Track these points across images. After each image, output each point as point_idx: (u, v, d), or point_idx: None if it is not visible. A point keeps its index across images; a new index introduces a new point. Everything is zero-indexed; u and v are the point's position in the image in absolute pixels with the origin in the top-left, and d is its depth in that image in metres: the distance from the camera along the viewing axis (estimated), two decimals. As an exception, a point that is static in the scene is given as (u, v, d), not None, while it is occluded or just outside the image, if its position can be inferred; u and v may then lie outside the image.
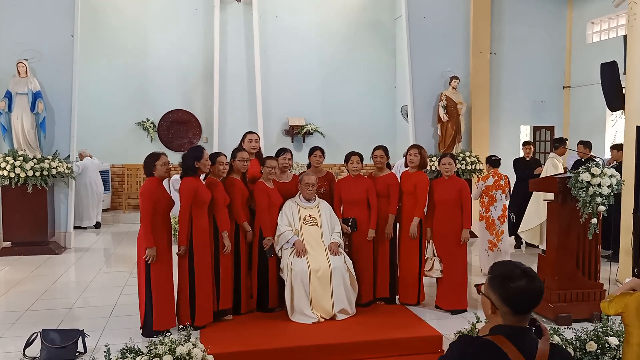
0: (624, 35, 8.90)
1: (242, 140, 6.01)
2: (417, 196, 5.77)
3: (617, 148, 7.82)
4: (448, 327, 5.15)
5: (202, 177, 5.34)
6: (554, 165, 7.84)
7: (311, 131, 12.80)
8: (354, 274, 5.54)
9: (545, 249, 7.80)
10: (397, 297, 6.00)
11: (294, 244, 5.46)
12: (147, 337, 4.80)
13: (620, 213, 6.35)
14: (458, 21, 10.13)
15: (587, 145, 8.44)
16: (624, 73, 7.21)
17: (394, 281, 5.98)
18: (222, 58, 12.21)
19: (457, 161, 7.25)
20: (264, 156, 6.13)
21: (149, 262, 4.88)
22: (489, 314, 2.01)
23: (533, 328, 1.99)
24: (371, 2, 12.91)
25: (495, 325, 1.98)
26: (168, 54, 12.06)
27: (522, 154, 9.22)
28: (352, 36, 12.88)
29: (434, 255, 5.80)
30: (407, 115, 10.59)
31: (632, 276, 5.90)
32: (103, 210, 11.25)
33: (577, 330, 4.41)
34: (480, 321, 4.52)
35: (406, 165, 6.08)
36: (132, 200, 11.86)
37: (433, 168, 8.58)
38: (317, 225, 5.65)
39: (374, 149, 6.02)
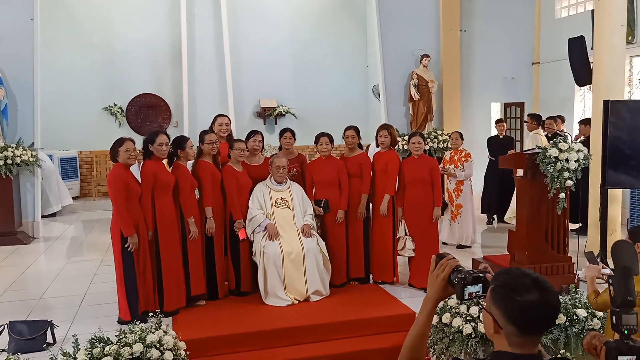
0: (592, 10, 8.98)
1: (213, 123, 5.92)
2: (387, 174, 5.77)
3: (584, 123, 7.92)
4: (419, 306, 5.19)
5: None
6: (536, 141, 7.94)
7: (283, 113, 12.69)
8: (327, 255, 5.54)
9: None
10: (371, 276, 6.03)
11: (266, 227, 5.42)
12: (124, 324, 4.71)
13: (588, 187, 6.44)
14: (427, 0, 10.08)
15: (556, 119, 8.53)
16: (592, 48, 7.27)
17: (368, 261, 5.99)
18: (191, 40, 11.96)
19: (427, 140, 7.30)
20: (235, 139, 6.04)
21: (130, 249, 4.79)
22: (491, 333, 1.64)
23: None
24: (342, -20, 12.76)
25: (496, 352, 1.65)
26: (135, 37, 11.75)
27: (494, 132, 9.27)
28: (323, 16, 12.73)
29: (406, 234, 5.82)
30: (379, 95, 10.55)
31: (599, 250, 6.01)
32: (73, 198, 11.00)
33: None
34: (452, 297, 4.55)
35: (377, 145, 6.06)
36: (102, 188, 11.64)
37: (406, 147, 8.56)
38: (289, 207, 5.61)
39: (345, 129, 5.98)
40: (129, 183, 4.86)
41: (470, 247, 7.54)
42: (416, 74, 9.73)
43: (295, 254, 5.32)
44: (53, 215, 10.35)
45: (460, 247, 7.50)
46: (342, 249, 5.85)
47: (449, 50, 10.14)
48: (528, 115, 8.56)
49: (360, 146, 6.07)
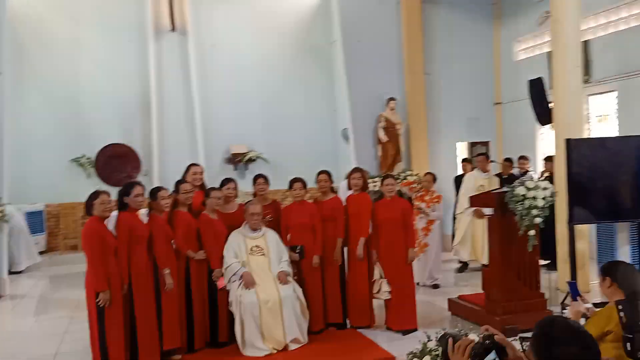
0: (548, 52, 9.43)
1: (186, 172, 5.92)
2: (361, 217, 5.83)
3: (549, 159, 8.18)
4: (400, 348, 5.16)
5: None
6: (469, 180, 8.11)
7: (254, 158, 12.70)
8: (305, 302, 5.50)
9: (484, 262, 8.08)
10: (348, 321, 6.00)
11: (241, 276, 5.37)
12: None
13: (555, 223, 6.60)
14: (392, 44, 10.42)
15: (519, 159, 8.78)
16: (550, 88, 7.60)
17: (345, 305, 5.97)
18: (159, 89, 11.99)
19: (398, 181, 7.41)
20: (207, 187, 6.05)
21: (101, 305, 4.68)
22: None
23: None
24: (307, 27, 13.05)
25: None
26: (103, 87, 11.72)
27: (460, 171, 9.49)
28: (290, 62, 12.94)
29: (381, 277, 5.84)
30: (348, 138, 10.73)
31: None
32: (39, 253, 10.68)
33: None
34: (432, 340, 4.55)
35: (349, 188, 6.14)
36: (69, 241, 11.34)
37: (376, 189, 8.65)
38: (264, 255, 5.58)
39: (318, 174, 6.05)
40: (105, 236, 4.80)
41: (438, 286, 7.60)
42: (383, 116, 9.97)
43: (272, 302, 5.27)
44: (19, 272, 10.02)
45: (435, 286, 7.55)
46: (319, 294, 5.83)
47: (414, 93, 10.44)
48: (480, 154, 8.66)
49: (333, 190, 6.13)
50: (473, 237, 8.07)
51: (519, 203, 5.24)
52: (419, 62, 10.50)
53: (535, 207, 5.23)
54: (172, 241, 5.30)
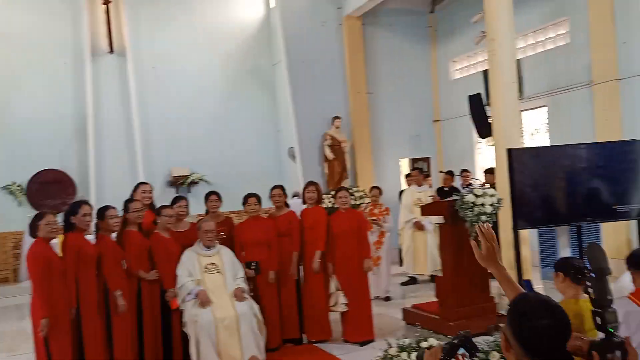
0: (484, 71, 9.91)
1: (135, 191, 5.76)
2: (316, 230, 5.85)
3: (489, 172, 8.53)
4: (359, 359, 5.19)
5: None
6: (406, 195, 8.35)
7: (196, 180, 12.50)
8: (262, 318, 5.42)
9: (428, 274, 8.27)
10: (304, 336, 5.96)
11: (197, 295, 5.24)
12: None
13: (499, 230, 6.85)
14: (335, 64, 10.64)
15: (453, 173, 9.09)
16: (487, 104, 7.98)
17: (302, 320, 5.93)
18: (97, 112, 11.62)
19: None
20: (156, 207, 5.89)
21: (43, 334, 4.41)
22: (503, 350, 1.74)
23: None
24: (249, 49, 13.12)
25: None
26: (36, 112, 11.22)
27: (404, 186, 9.74)
28: (233, 82, 12.92)
29: (338, 290, 5.85)
30: (295, 157, 10.79)
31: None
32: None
33: (479, 342, 4.63)
34: (392, 347, 4.59)
35: (304, 202, 6.15)
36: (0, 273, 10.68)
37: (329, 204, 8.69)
38: (219, 272, 5.48)
39: (272, 189, 6.05)
40: (51, 258, 4.55)
41: (390, 299, 7.70)
42: (329, 134, 10.11)
43: (229, 320, 5.16)
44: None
45: (387, 299, 7.64)
46: (275, 310, 5.77)
47: (358, 111, 10.67)
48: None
49: (287, 205, 6.13)
50: (415, 251, 8.25)
51: (469, 210, 5.43)
52: (361, 81, 10.76)
53: (484, 213, 5.44)
54: (123, 261, 5.11)
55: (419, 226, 7.98)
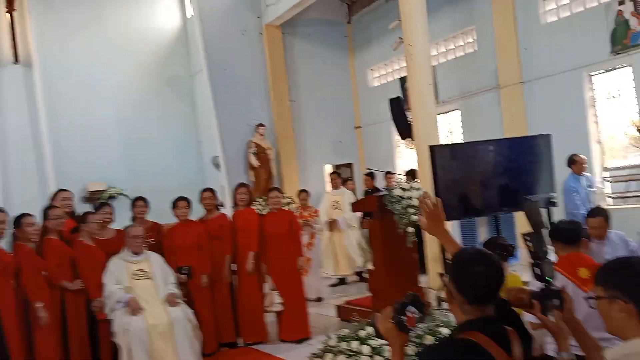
0: (400, 77, 10.34)
1: (54, 198, 5.48)
2: (249, 231, 5.82)
3: (409, 174, 8.86)
4: (298, 357, 5.19)
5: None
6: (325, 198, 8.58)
7: (114, 195, 12.01)
8: (197, 323, 5.30)
9: (347, 273, 8.48)
10: (240, 339, 5.89)
11: (126, 303, 5.03)
12: None
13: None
14: (257, 73, 10.68)
15: (386, 174, 9.40)
16: (406, 109, 8.32)
17: (237, 323, 5.86)
18: (2, 125, 10.91)
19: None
20: (77, 214, 5.64)
21: None
22: (448, 303, 1.89)
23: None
24: (167, 59, 12.89)
25: (463, 322, 1.83)
26: None
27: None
28: (150, 94, 12.60)
29: (272, 290, 5.85)
30: (219, 166, 10.66)
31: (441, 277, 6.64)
32: None
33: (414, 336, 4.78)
34: (332, 338, 4.65)
35: (236, 204, 6.11)
36: None
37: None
38: (149, 278, 5.30)
39: (202, 192, 5.96)
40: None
41: (322, 299, 7.78)
42: (254, 142, 10.10)
43: (162, 326, 5.00)
44: None
45: (318, 300, 7.70)
46: (210, 314, 5.67)
47: (281, 119, 10.75)
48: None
49: (217, 207, 6.05)
50: (334, 252, 8.42)
51: (397, 203, 5.62)
52: (283, 90, 10.87)
53: (412, 205, 5.64)
54: (44, 272, 4.83)
55: (332, 226, 8.20)
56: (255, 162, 9.99)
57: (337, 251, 8.41)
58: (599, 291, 1.79)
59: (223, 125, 10.05)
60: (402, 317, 1.88)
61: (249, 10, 10.76)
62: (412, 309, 1.90)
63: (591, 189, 6.75)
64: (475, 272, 1.77)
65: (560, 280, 3.15)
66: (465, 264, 1.81)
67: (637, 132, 7.06)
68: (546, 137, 6.38)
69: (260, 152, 10.07)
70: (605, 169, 7.77)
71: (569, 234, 3.35)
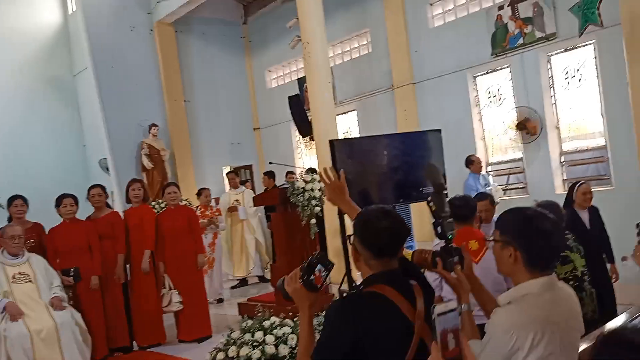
0: (298, 79, 10.40)
1: None
2: (144, 229, 5.50)
3: (309, 172, 8.88)
4: (199, 356, 4.96)
5: None
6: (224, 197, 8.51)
7: (-12, 204, 10.91)
8: (85, 327, 4.92)
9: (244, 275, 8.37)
10: (135, 342, 5.54)
11: (4, 308, 4.55)
12: None
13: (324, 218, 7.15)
14: (149, 71, 10.22)
15: (287, 174, 9.36)
16: (307, 108, 8.36)
17: (131, 326, 5.50)
18: None
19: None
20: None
21: None
22: (354, 262, 1.90)
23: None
24: (47, 58, 12.02)
25: (369, 276, 1.85)
26: None
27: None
28: (28, 96, 11.64)
29: (171, 289, 5.57)
30: (107, 168, 10.05)
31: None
32: None
33: (316, 324, 4.75)
34: (234, 330, 4.49)
35: (129, 201, 5.75)
36: None
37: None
38: (30, 281, 4.86)
39: (90, 188, 5.57)
40: None
41: (222, 300, 7.58)
42: (146, 143, 9.64)
43: (46, 332, 4.60)
44: None
45: (219, 301, 7.48)
46: (100, 318, 5.30)
47: (175, 119, 10.36)
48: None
49: (108, 205, 5.67)
50: (235, 253, 8.31)
51: (300, 195, 5.61)
52: (177, 89, 10.49)
53: (314, 197, 5.66)
54: None
55: (232, 211, 8.19)
56: (148, 163, 9.54)
57: (238, 251, 8.28)
58: (496, 235, 1.93)
59: (111, 126, 9.49)
60: (310, 276, 1.87)
61: (137, 6, 10.29)
62: (320, 267, 1.89)
63: (488, 187, 7.18)
64: (380, 227, 1.81)
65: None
66: (370, 220, 1.84)
67: (515, 128, 7.61)
68: (436, 133, 6.66)
69: (154, 154, 9.63)
70: (489, 164, 8.31)
71: (462, 211, 3.55)
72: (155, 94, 10.18)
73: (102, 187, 5.61)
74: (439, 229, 2.25)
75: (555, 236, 1.90)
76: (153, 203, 8.22)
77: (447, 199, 3.65)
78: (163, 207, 6.07)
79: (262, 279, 8.59)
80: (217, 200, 8.52)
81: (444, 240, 2.21)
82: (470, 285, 2.08)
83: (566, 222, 3.64)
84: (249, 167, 11.47)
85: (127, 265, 5.57)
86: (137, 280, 5.54)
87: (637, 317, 2.84)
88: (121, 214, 5.73)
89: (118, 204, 8.59)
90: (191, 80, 10.80)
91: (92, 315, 5.16)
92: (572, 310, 1.96)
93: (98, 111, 9.66)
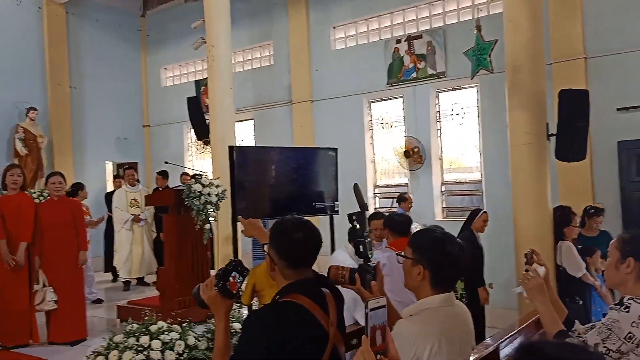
0: (195, 80, 10.21)
1: None
2: (22, 219, 5.09)
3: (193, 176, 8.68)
4: (72, 360, 4.69)
5: None
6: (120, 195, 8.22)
7: None
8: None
9: (139, 276, 8.15)
10: (-1, 343, 5.08)
11: None
12: None
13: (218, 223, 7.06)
14: (32, 51, 9.46)
15: (167, 173, 9.06)
16: (206, 111, 8.23)
17: (-3, 324, 5.04)
18: None
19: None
20: None
21: None
22: (270, 272, 1.96)
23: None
24: None
25: (285, 286, 1.91)
26: None
27: (110, 188, 9.28)
28: None
29: (45, 286, 5.19)
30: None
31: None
32: None
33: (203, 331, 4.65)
34: (118, 334, 4.31)
35: (4, 189, 5.28)
36: None
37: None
38: None
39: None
40: None
41: (101, 301, 7.22)
42: (22, 127, 8.89)
43: None
44: None
45: (98, 301, 7.11)
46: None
47: (58, 105, 9.67)
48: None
49: (-19, 190, 5.16)
50: (134, 255, 8.01)
51: (196, 199, 5.52)
52: (63, 74, 9.79)
53: (210, 202, 5.60)
54: None
55: (137, 220, 7.96)
56: (22, 149, 8.78)
57: (135, 255, 8.00)
58: (408, 252, 2.09)
59: (-19, 105, 8.65)
60: (226, 283, 1.91)
61: (27, -20, 9.52)
62: (235, 274, 1.94)
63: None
64: (295, 237, 1.89)
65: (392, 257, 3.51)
66: (286, 230, 1.91)
67: (402, 156, 8.12)
68: (333, 151, 6.94)
69: (29, 139, 8.89)
70: (377, 186, 8.77)
71: (401, 227, 3.78)
72: (37, 76, 9.44)
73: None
74: (360, 247, 2.40)
75: (462, 261, 2.09)
76: (27, 191, 7.60)
77: (388, 214, 3.88)
78: (43, 198, 5.63)
79: (140, 281, 8.26)
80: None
81: (362, 259, 2.36)
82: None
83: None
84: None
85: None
86: (7, 274, 5.08)
87: (503, 340, 3.05)
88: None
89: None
90: (79, 66, 10.16)
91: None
92: (466, 325, 2.17)
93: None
